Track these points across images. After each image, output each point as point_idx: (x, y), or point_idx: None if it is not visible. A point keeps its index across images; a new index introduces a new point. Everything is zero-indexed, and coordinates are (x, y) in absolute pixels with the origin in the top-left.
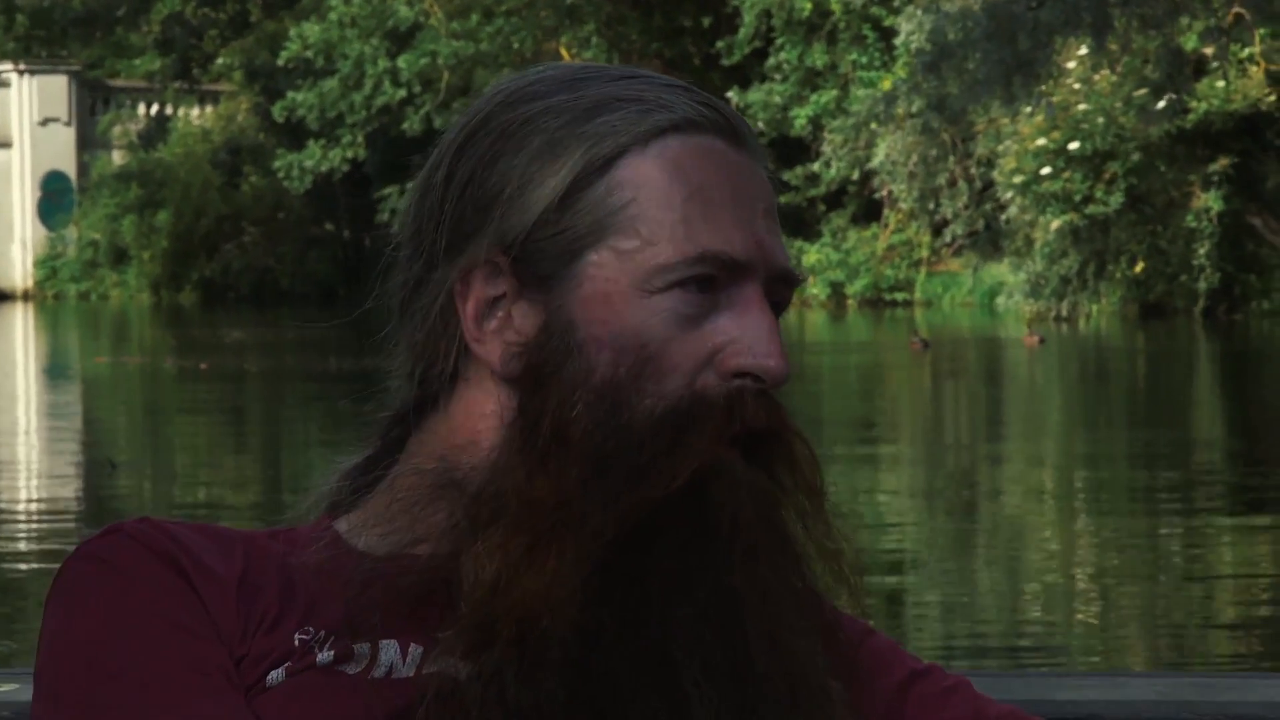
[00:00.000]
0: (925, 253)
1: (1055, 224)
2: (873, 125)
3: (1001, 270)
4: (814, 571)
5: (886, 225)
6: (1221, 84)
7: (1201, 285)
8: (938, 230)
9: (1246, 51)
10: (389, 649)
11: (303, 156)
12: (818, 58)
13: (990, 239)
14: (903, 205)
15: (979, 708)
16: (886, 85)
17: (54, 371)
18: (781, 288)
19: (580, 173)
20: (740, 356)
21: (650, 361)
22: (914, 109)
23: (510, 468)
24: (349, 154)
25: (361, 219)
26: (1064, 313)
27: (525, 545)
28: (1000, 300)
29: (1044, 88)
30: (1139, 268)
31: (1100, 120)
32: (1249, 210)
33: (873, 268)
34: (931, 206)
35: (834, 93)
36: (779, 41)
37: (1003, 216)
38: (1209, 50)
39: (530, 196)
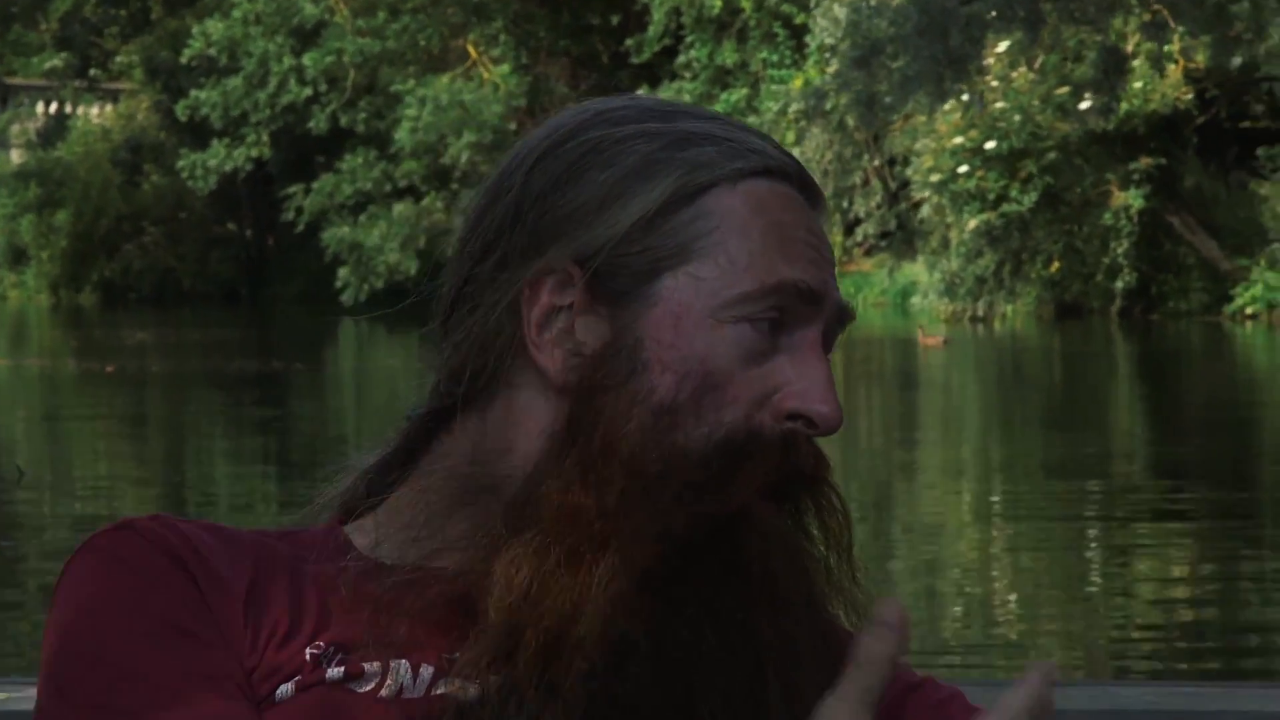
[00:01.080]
0: (836, 253)
1: (971, 223)
2: (800, 122)
3: (916, 270)
4: (837, 629)
5: None
6: (1140, 84)
7: (1119, 285)
8: (849, 229)
9: (1166, 49)
10: (400, 668)
11: (207, 156)
12: (728, 56)
13: (904, 238)
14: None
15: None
16: (798, 84)
17: None
18: (836, 326)
19: (671, 196)
20: (797, 400)
21: (713, 391)
22: (842, 103)
23: (552, 475)
24: (254, 153)
25: (265, 219)
26: (979, 313)
27: (560, 554)
28: (915, 300)
29: (971, 84)
30: (1054, 267)
31: (1017, 119)
32: (1167, 210)
33: None
34: (845, 205)
35: (744, 91)
36: (689, 39)
37: (917, 216)
38: (1130, 48)
39: (617, 212)
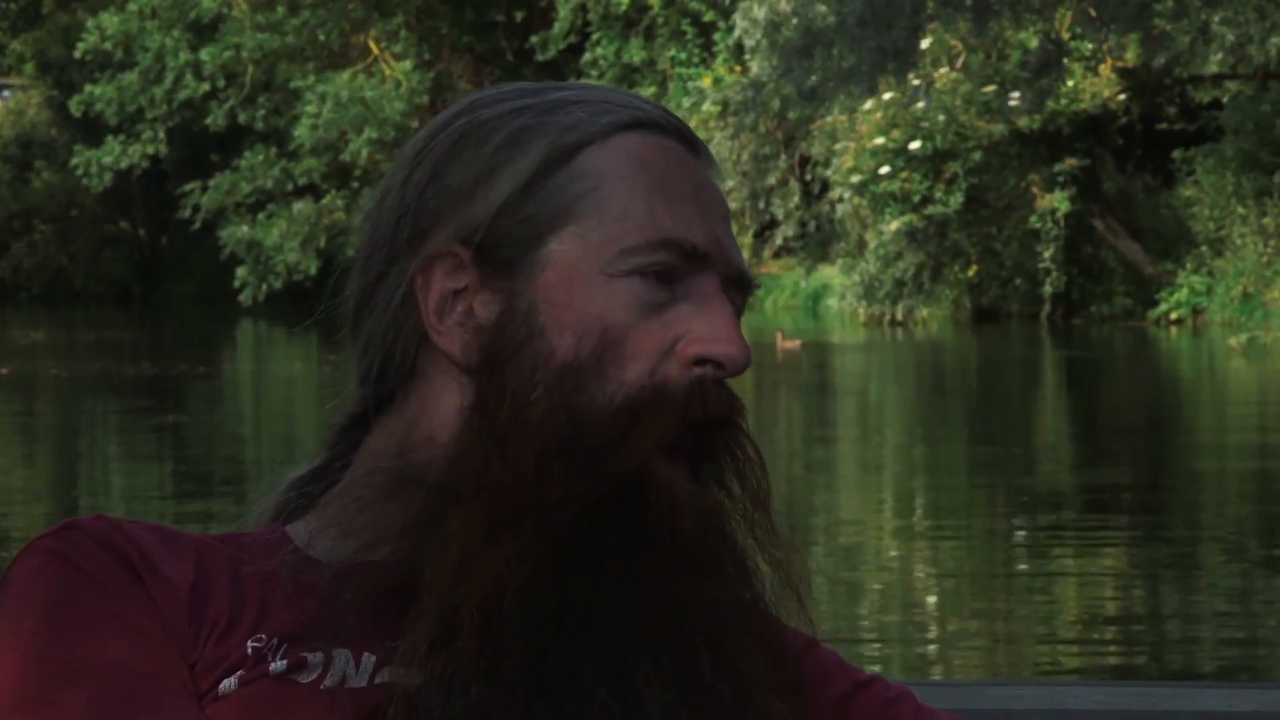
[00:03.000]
0: (747, 254)
1: (894, 225)
2: (730, 118)
3: (828, 272)
4: (761, 582)
5: None
6: (1071, 82)
7: (1047, 289)
8: (762, 230)
9: (1090, 48)
10: (342, 658)
11: (101, 153)
12: (635, 54)
13: (820, 240)
14: (732, 205)
15: (921, 718)
16: (707, 82)
17: None
18: (736, 293)
19: (544, 160)
20: (701, 344)
21: (612, 345)
22: (782, 95)
23: (468, 451)
24: (150, 150)
25: (158, 217)
26: (899, 317)
27: (484, 527)
28: (831, 303)
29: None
30: (972, 271)
31: (941, 119)
32: (1090, 213)
33: None
34: (761, 206)
35: (652, 89)
36: (595, 37)
37: (835, 217)
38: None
39: (492, 187)
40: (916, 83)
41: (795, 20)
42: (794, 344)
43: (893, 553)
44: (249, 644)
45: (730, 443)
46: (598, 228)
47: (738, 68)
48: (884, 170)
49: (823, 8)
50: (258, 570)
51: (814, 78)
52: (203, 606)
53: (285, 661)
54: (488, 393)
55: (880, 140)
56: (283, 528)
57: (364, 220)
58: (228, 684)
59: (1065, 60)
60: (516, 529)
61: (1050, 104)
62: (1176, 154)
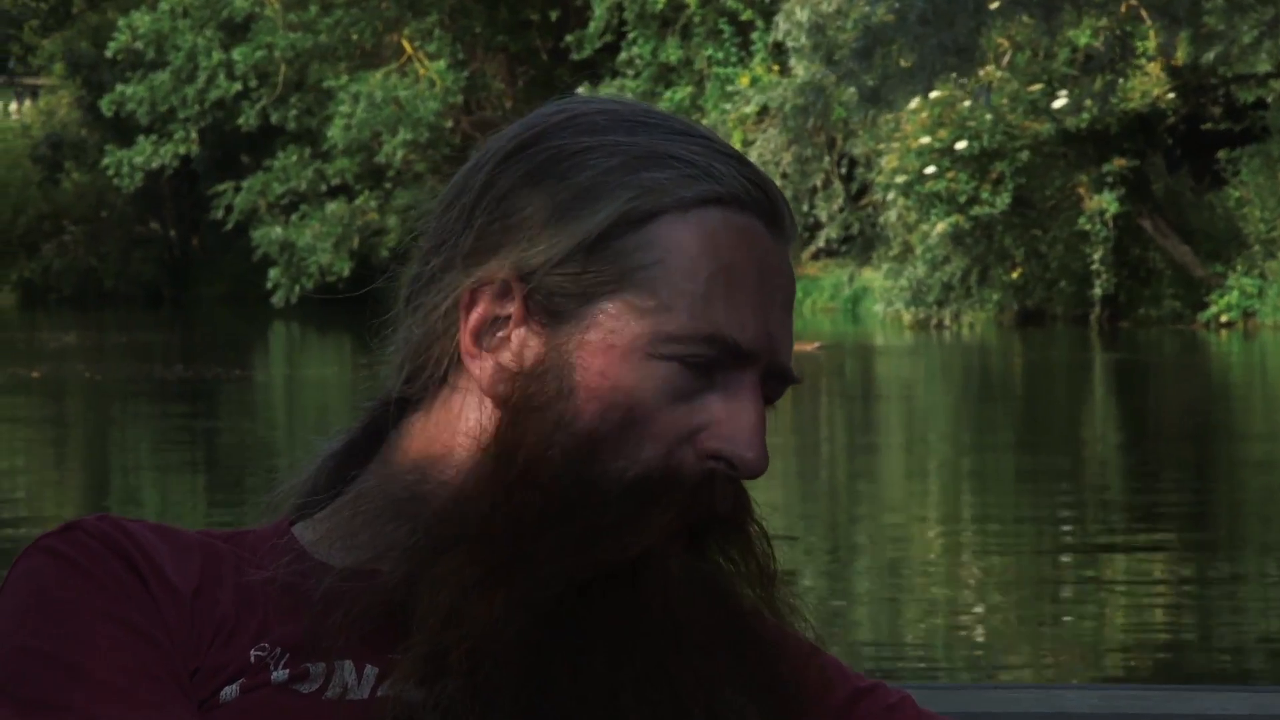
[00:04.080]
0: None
1: (940, 226)
2: (782, 121)
3: (869, 275)
4: (771, 648)
5: None
6: (1121, 81)
7: (1096, 292)
8: (805, 233)
9: (1142, 45)
10: (344, 669)
11: (133, 153)
12: (672, 53)
13: (865, 243)
14: None
15: None
16: (744, 82)
17: None
18: (777, 384)
19: (616, 221)
20: (720, 441)
21: (635, 425)
22: (844, 96)
23: (476, 495)
24: (181, 150)
25: (189, 218)
26: (946, 320)
27: (478, 576)
28: (878, 308)
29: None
30: (1016, 273)
31: (988, 118)
32: (1139, 213)
33: None
34: (804, 209)
35: (689, 89)
36: (631, 36)
37: (880, 219)
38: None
39: (562, 230)
40: (975, 82)
41: (851, 21)
42: (811, 347)
43: (938, 562)
44: (252, 652)
45: (732, 535)
46: (651, 304)
47: (775, 67)
48: (930, 170)
49: (880, 7)
50: (262, 575)
51: (869, 79)
52: (206, 611)
53: (287, 671)
54: (507, 438)
55: (926, 140)
56: (289, 528)
57: (439, 204)
58: (229, 691)
59: (1130, 57)
60: (510, 584)
61: (1094, 104)
62: (1222, 154)
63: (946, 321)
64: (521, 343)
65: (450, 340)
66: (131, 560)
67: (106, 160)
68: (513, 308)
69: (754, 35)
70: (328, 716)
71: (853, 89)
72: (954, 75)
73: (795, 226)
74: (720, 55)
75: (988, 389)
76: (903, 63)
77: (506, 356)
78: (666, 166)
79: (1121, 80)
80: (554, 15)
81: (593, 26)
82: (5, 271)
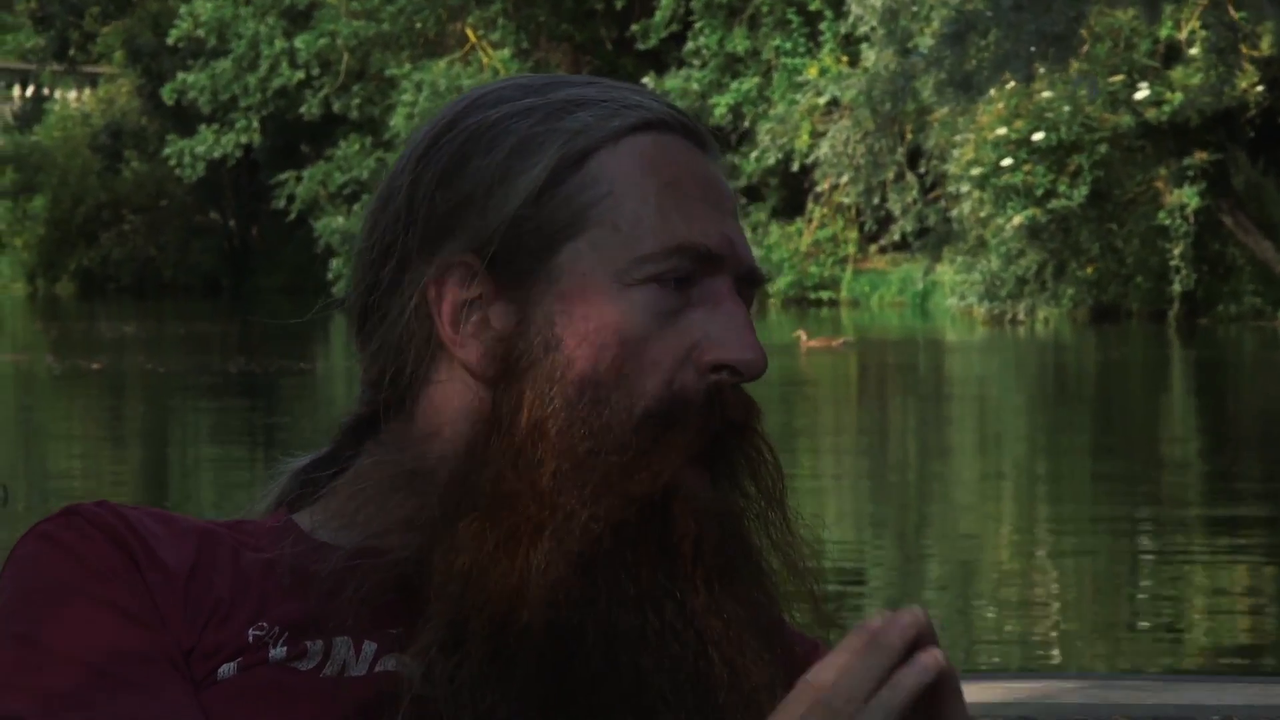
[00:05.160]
0: (852, 249)
1: (1016, 219)
2: (868, 109)
3: (938, 268)
4: (777, 585)
5: (811, 220)
6: (1200, 74)
7: (1176, 287)
8: (878, 226)
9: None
10: (342, 646)
11: (194, 142)
12: (739, 43)
13: (938, 237)
14: (845, 200)
15: None
16: (813, 73)
17: None
18: (746, 287)
19: (554, 168)
20: (718, 350)
21: (631, 357)
22: (933, 82)
23: (485, 460)
24: (243, 139)
25: (248, 207)
26: (1020, 316)
27: (498, 539)
28: (951, 301)
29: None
30: (1090, 269)
31: (1066, 109)
32: (1220, 208)
33: (796, 265)
34: (876, 202)
35: (756, 80)
36: (698, 25)
37: (953, 212)
38: (1184, 35)
39: (504, 194)
40: (1075, 71)
41: (929, 7)
42: (828, 342)
43: (1012, 565)
44: (250, 631)
45: (746, 446)
46: (611, 236)
47: (844, 58)
48: (1006, 162)
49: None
50: (260, 556)
51: (961, 67)
52: (200, 592)
53: (285, 649)
54: (504, 403)
55: (1002, 131)
56: (287, 515)
57: (367, 219)
58: (227, 669)
59: (1193, 50)
60: (534, 545)
61: (1176, 95)
62: None
63: (1020, 317)
64: (499, 316)
65: (424, 337)
66: (126, 545)
67: (168, 150)
68: (480, 287)
69: (822, 25)
70: (326, 693)
71: (941, 76)
72: (1053, 61)
73: (716, 144)
74: (788, 45)
75: (1065, 386)
76: (997, 50)
77: (489, 335)
78: (586, 108)
79: (1201, 73)
80: (619, 4)
81: (659, 16)
82: (64, 261)
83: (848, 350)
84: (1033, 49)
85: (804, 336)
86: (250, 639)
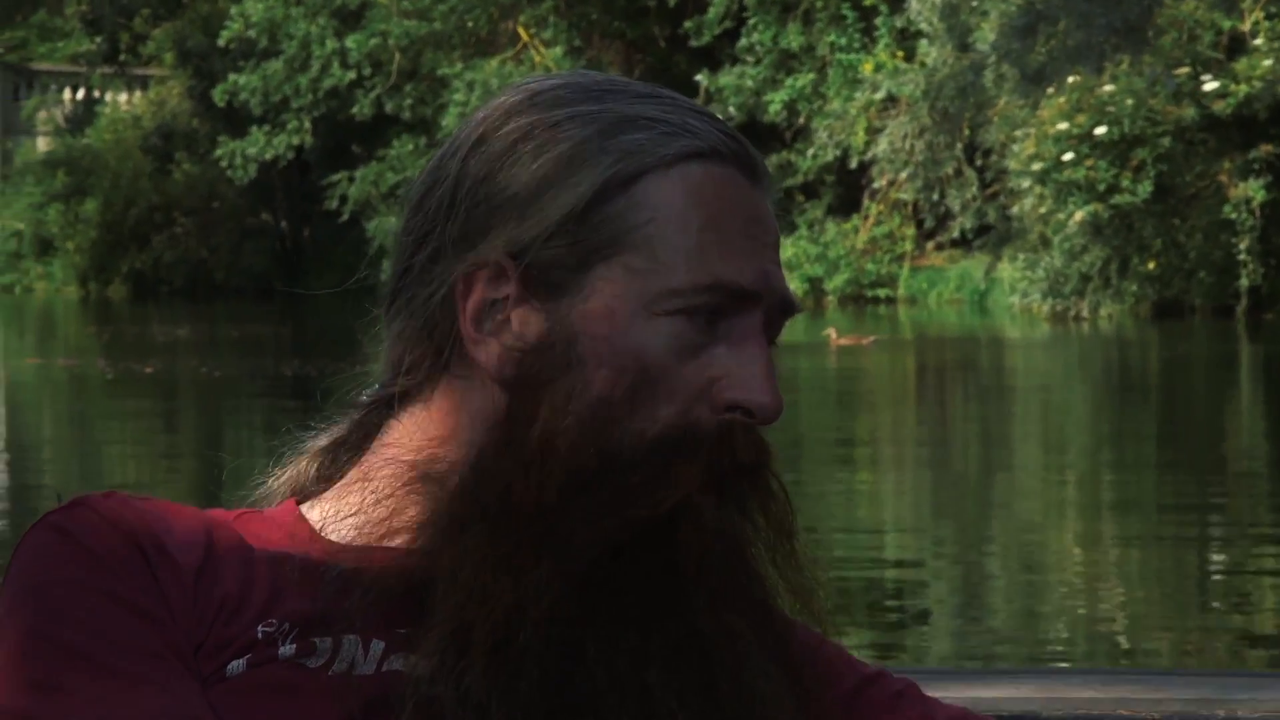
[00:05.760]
0: (909, 246)
1: (1078, 215)
2: (941, 102)
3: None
4: (783, 608)
5: (867, 217)
6: (1268, 63)
7: (1243, 282)
8: (941, 223)
9: None
10: (350, 644)
11: (246, 144)
12: (793, 39)
13: (999, 235)
14: (904, 197)
15: (928, 710)
16: (868, 69)
17: None
18: (779, 317)
19: (602, 187)
20: (735, 390)
21: (648, 386)
22: (1003, 74)
23: (495, 470)
24: (295, 140)
25: (300, 209)
26: (1083, 313)
27: (503, 551)
28: (1013, 299)
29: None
30: (1152, 264)
31: (1130, 103)
32: None
33: (853, 262)
34: (935, 198)
35: (810, 76)
36: (751, 22)
37: (1013, 209)
38: (1247, 26)
39: (548, 204)
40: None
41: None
42: (858, 340)
43: (1078, 568)
44: (259, 628)
45: (757, 484)
46: (647, 263)
47: (900, 54)
48: (1067, 157)
49: None
50: (269, 552)
51: (1031, 59)
52: (210, 587)
53: (294, 646)
54: (519, 414)
55: (1064, 125)
56: (297, 508)
57: (411, 199)
58: (235, 665)
59: (1257, 41)
60: (538, 560)
61: (1242, 87)
62: None
63: (1084, 313)
64: (522, 321)
65: (448, 329)
66: (135, 538)
67: (219, 151)
68: (509, 288)
69: (878, 21)
70: (334, 690)
71: (1004, 70)
72: (1128, 54)
73: (769, 175)
74: (843, 41)
75: (1133, 383)
76: (1068, 42)
77: (509, 337)
78: (642, 128)
79: (1266, 63)
80: (672, 1)
81: (712, 12)
82: (116, 264)
83: (877, 348)
84: (1104, 41)
85: (834, 334)
86: (259, 635)
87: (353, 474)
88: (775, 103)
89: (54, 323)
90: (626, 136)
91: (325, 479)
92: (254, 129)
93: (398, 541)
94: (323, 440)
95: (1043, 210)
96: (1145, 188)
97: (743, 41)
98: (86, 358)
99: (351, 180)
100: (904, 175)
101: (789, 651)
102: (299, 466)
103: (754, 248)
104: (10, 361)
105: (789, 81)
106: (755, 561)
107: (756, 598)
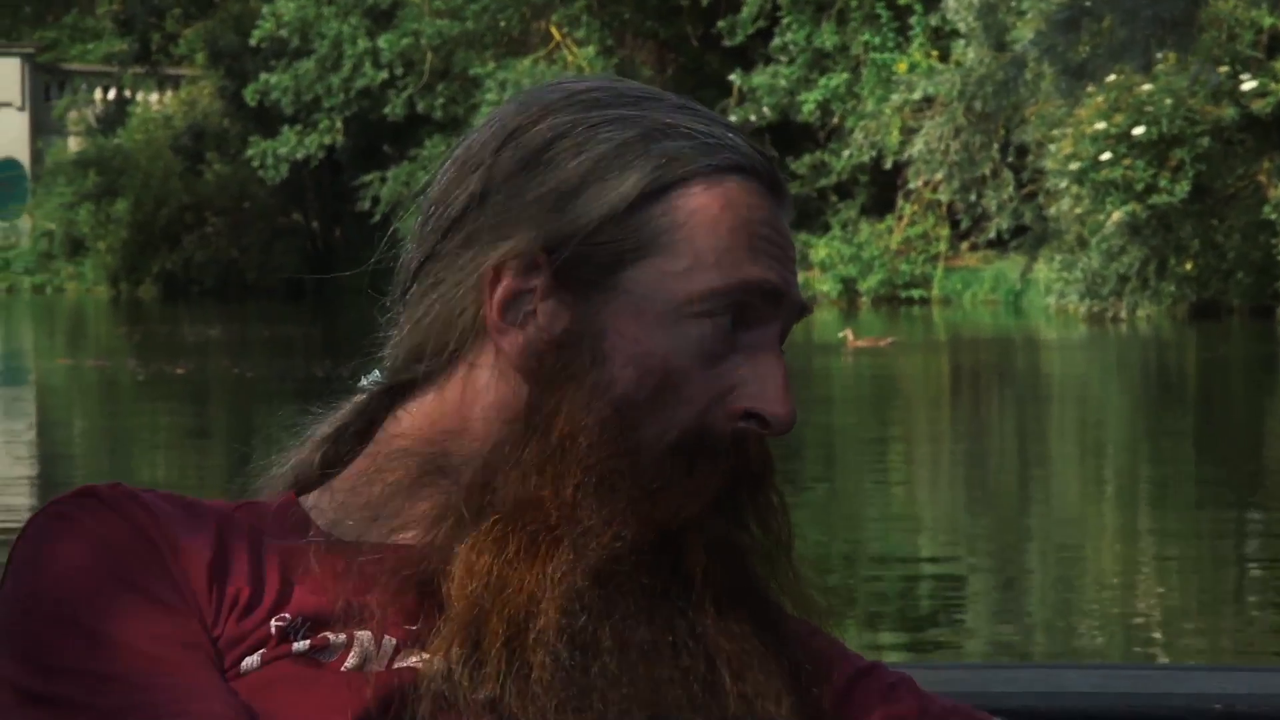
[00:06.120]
0: (944, 247)
1: (1116, 215)
2: (976, 101)
3: (1023, 266)
4: (782, 610)
5: (901, 217)
6: None
7: None
8: (977, 223)
9: None
10: (364, 640)
11: (277, 143)
12: (827, 38)
13: (1035, 236)
14: (940, 197)
15: (923, 704)
16: (902, 68)
17: (8, 377)
18: (794, 320)
19: (643, 189)
20: (752, 400)
21: (670, 389)
22: (1045, 70)
23: (511, 463)
24: (326, 140)
25: (331, 209)
26: (1122, 314)
27: (519, 544)
28: (1050, 300)
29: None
30: (1189, 265)
31: (1168, 102)
32: None
33: (887, 263)
34: (973, 199)
35: (844, 76)
36: (785, 21)
37: (1050, 210)
38: None
39: (588, 202)
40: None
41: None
42: (875, 342)
43: (1114, 570)
44: (273, 623)
45: (758, 495)
46: (679, 266)
47: (934, 53)
48: (1105, 157)
49: None
50: (279, 544)
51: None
52: (223, 581)
53: (308, 642)
54: (539, 407)
55: (1101, 125)
56: (299, 500)
57: (438, 185)
58: (250, 661)
59: None
60: (554, 553)
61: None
62: None
63: (1122, 314)
64: (550, 314)
65: (471, 316)
66: (146, 529)
67: (251, 151)
68: (538, 281)
69: (912, 20)
70: (348, 686)
71: (1043, 68)
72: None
73: (791, 197)
74: (877, 41)
75: (1172, 384)
76: (1113, 37)
77: (535, 329)
78: (683, 137)
79: None
80: (705, 0)
81: (745, 12)
82: (147, 264)
83: (894, 350)
84: (1149, 35)
85: (850, 336)
86: (273, 631)
87: (359, 464)
88: (809, 102)
89: (85, 323)
90: (669, 143)
91: (328, 467)
92: (285, 129)
93: (409, 535)
94: (325, 428)
95: (1079, 210)
96: (1183, 188)
97: (776, 41)
98: (117, 358)
99: (383, 180)
100: (940, 176)
101: (787, 646)
102: (301, 454)
103: (778, 255)
104: (41, 362)
105: (823, 81)
106: (755, 572)
107: (757, 597)
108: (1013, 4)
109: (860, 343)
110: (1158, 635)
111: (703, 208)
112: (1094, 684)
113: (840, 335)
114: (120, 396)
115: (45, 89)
